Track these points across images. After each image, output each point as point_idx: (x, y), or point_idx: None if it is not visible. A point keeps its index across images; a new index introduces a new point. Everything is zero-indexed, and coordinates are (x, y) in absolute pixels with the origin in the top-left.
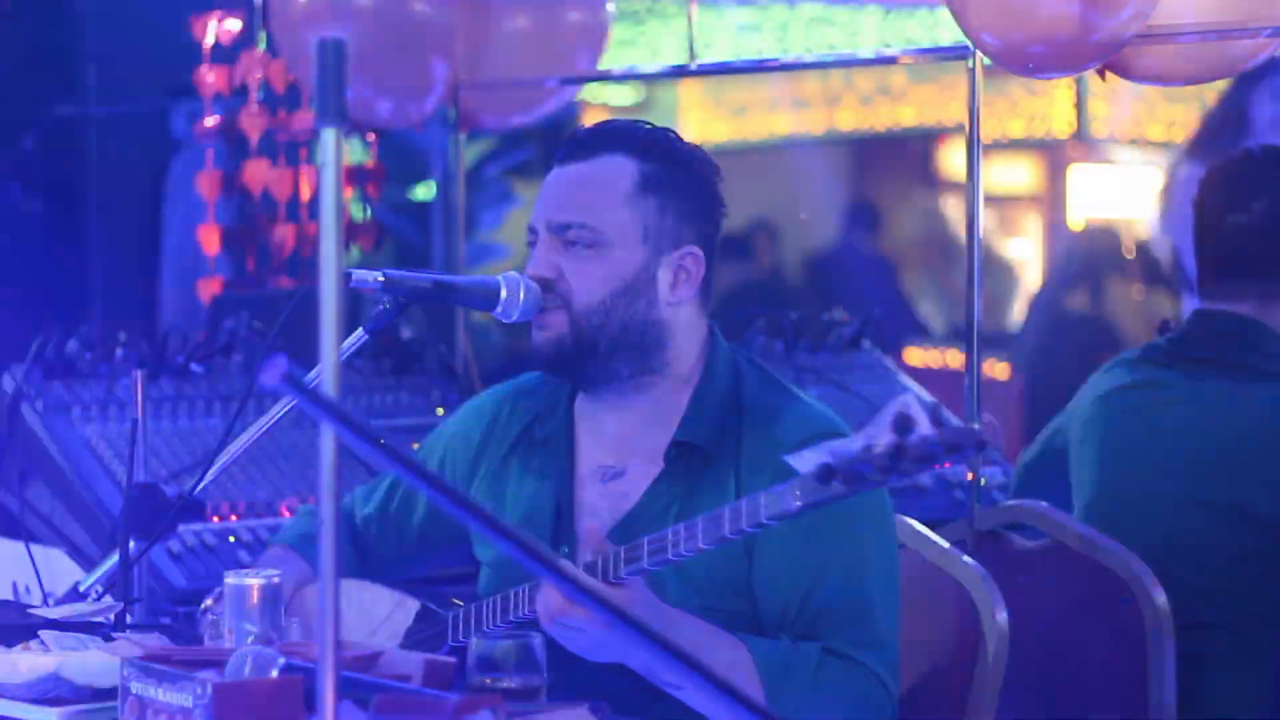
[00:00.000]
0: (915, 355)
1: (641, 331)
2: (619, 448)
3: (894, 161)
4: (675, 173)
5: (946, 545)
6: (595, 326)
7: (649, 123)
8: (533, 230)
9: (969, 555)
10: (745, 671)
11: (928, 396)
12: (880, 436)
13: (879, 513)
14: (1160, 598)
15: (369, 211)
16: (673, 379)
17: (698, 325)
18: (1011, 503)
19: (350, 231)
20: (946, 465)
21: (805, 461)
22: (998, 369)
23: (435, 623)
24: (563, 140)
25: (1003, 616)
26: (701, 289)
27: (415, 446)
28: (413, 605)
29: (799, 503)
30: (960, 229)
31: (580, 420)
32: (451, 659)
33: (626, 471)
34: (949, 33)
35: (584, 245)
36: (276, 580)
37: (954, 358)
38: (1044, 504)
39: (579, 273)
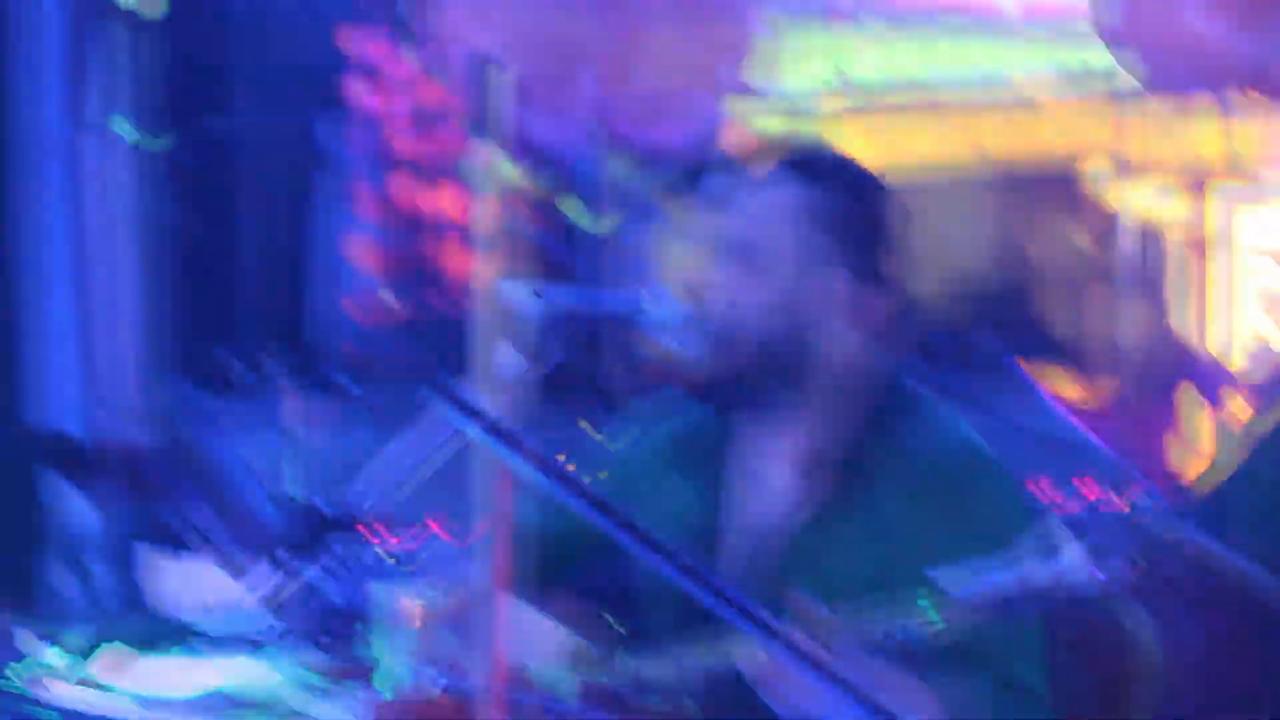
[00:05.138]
0: (1061, 377)
1: (788, 354)
2: (766, 455)
3: (1040, 185)
4: (842, 200)
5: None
6: (734, 349)
7: (832, 148)
8: (701, 239)
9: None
10: (932, 710)
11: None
12: (1029, 569)
13: (1028, 514)
14: None
15: (520, 229)
16: (821, 394)
17: (854, 350)
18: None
19: (501, 249)
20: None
21: (953, 582)
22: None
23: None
24: (751, 155)
25: (1154, 644)
26: (860, 317)
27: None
28: (568, 641)
29: (945, 621)
30: (1106, 254)
31: (741, 430)
32: (606, 681)
33: (771, 480)
34: (1098, 57)
35: (738, 259)
36: (433, 596)
37: (1101, 384)
38: (1186, 524)
39: (727, 287)
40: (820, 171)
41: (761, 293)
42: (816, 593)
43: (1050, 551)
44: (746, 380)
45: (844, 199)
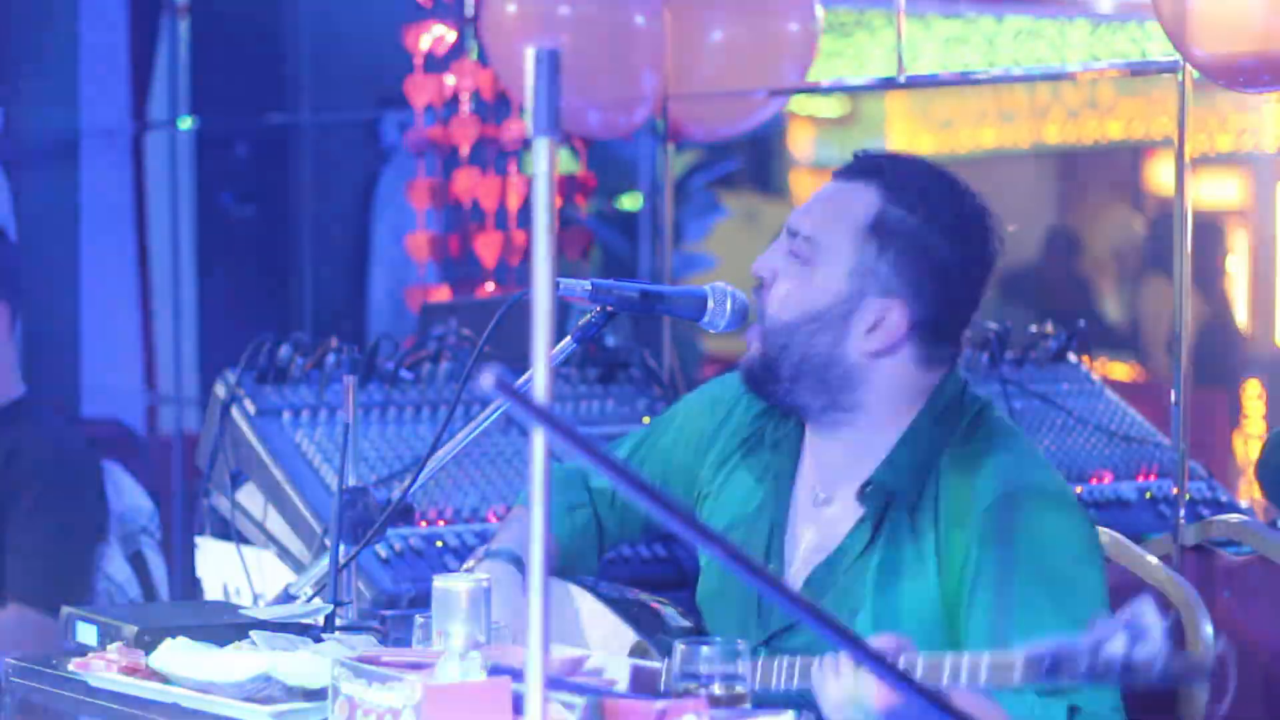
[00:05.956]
0: (1120, 370)
1: (824, 366)
2: (828, 476)
3: (1101, 175)
4: (916, 225)
5: (1152, 560)
6: (779, 347)
7: (937, 166)
8: (784, 228)
9: (1174, 570)
10: None
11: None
12: (1112, 642)
13: (1092, 563)
14: None
15: (579, 221)
16: (877, 420)
17: (914, 378)
18: (1217, 517)
19: (558, 240)
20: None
21: (1035, 649)
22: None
23: (648, 659)
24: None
25: (1209, 632)
26: (918, 343)
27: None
28: (628, 638)
29: (1019, 680)
30: (1167, 243)
31: (807, 436)
32: (658, 664)
33: (834, 502)
34: (1158, 46)
35: (795, 257)
36: (485, 584)
37: (1160, 372)
38: (1249, 518)
39: (782, 284)
40: (898, 191)
41: (809, 295)
42: (876, 623)
43: (1139, 635)
44: (789, 384)
45: (908, 224)
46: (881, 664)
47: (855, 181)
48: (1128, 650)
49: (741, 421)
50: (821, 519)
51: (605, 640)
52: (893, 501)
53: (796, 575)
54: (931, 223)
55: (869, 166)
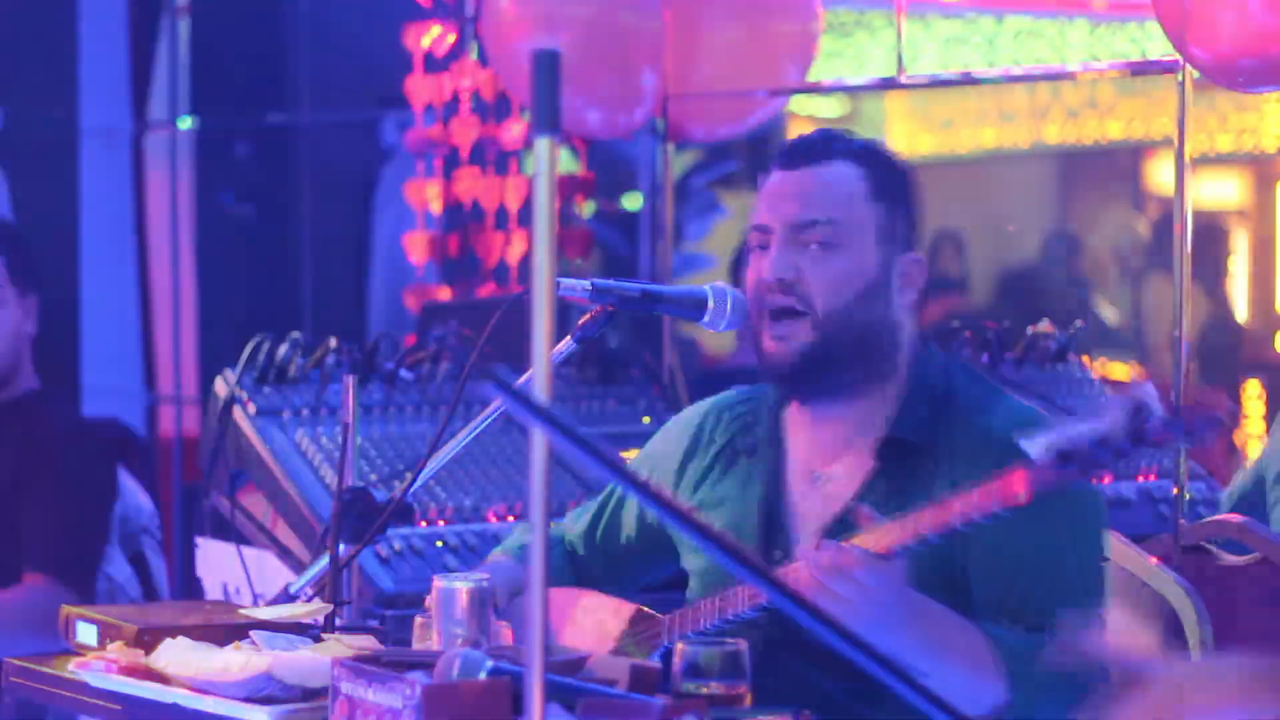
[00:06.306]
0: (1120, 370)
1: (879, 333)
2: (826, 452)
3: (1101, 175)
4: (898, 181)
5: (1151, 560)
6: (837, 331)
7: (855, 133)
8: (762, 230)
9: (1173, 570)
10: (988, 657)
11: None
12: (1117, 421)
13: (1094, 511)
14: None
15: (579, 221)
16: (895, 380)
17: (913, 327)
18: (1216, 517)
19: (558, 240)
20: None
21: (1038, 446)
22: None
23: (651, 625)
24: (783, 146)
25: (1207, 631)
26: (920, 295)
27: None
28: (628, 610)
29: (1032, 482)
30: (1167, 243)
31: (788, 427)
32: (657, 664)
33: (835, 473)
34: (1158, 46)
35: (822, 246)
36: (485, 584)
37: (1160, 372)
38: (1248, 519)
39: (821, 273)
40: (867, 154)
41: (853, 272)
42: None
43: (1139, 408)
44: (846, 363)
45: (894, 179)
46: (875, 654)
47: (821, 164)
48: (1137, 424)
49: (712, 438)
50: (824, 493)
51: (601, 619)
52: (909, 451)
53: (807, 547)
54: (903, 175)
55: (823, 147)
